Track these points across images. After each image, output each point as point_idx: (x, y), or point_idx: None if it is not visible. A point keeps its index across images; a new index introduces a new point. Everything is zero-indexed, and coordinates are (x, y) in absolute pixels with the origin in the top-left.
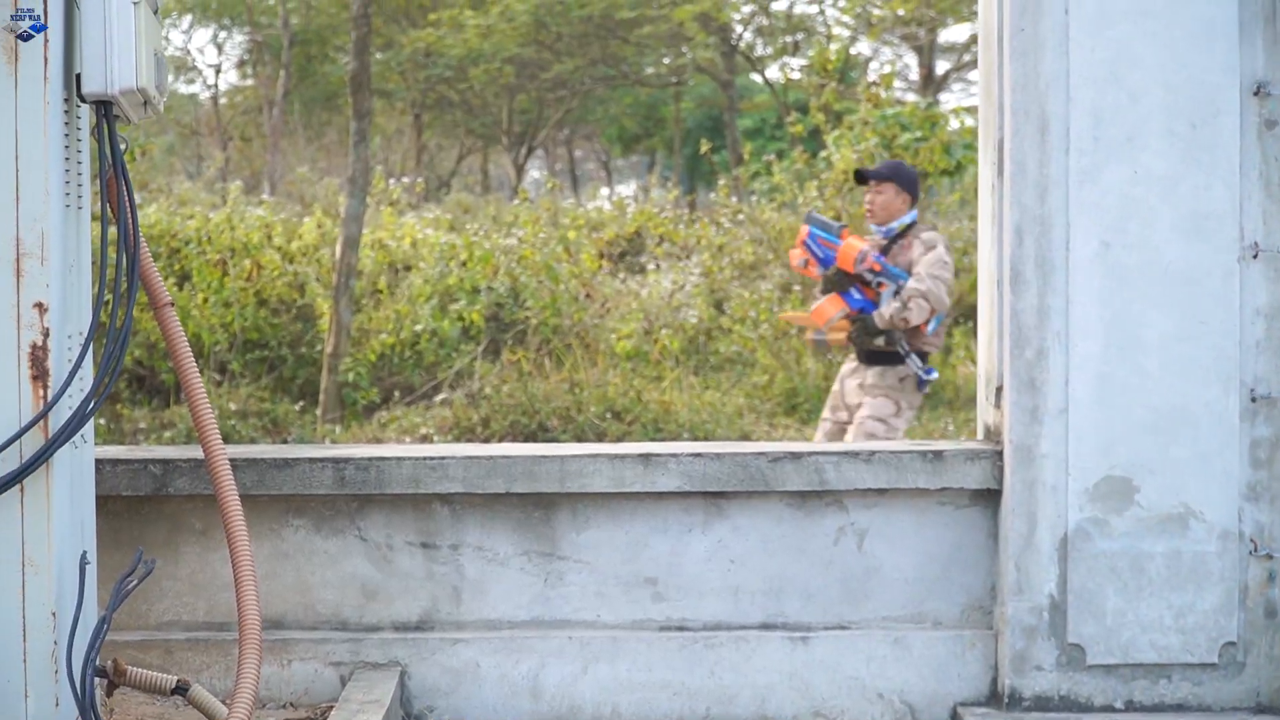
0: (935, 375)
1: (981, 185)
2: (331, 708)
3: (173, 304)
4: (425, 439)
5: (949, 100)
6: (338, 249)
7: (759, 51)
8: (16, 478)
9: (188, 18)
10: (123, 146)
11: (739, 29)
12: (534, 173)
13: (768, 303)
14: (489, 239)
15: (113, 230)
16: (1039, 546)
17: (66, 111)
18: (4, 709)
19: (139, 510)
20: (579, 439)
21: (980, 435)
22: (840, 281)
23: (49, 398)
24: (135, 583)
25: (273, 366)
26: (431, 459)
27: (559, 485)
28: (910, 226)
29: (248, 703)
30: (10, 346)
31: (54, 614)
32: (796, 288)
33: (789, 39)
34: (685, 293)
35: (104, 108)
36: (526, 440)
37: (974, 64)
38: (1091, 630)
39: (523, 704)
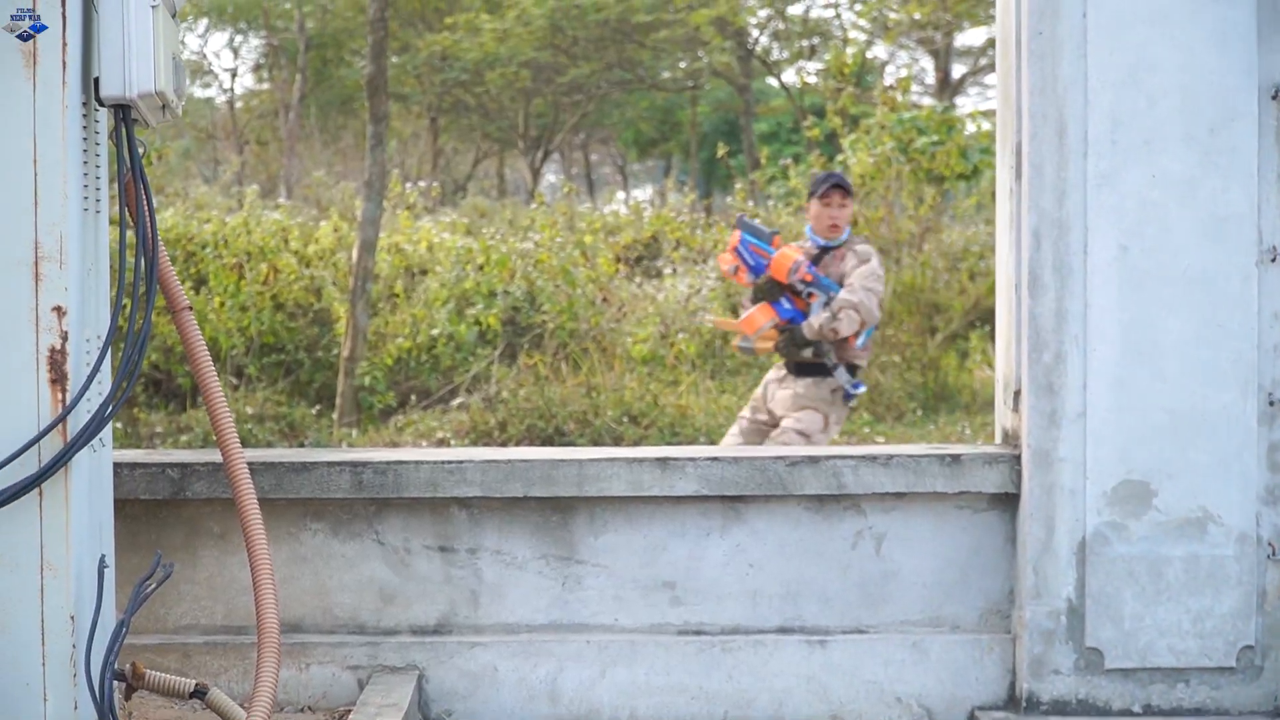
0: (863, 389)
1: (999, 189)
2: (349, 711)
3: (191, 308)
4: (442, 443)
5: (965, 104)
6: (354, 253)
7: (775, 56)
8: (35, 481)
9: (204, 21)
10: (140, 150)
11: (755, 33)
12: (550, 177)
13: None
14: (505, 243)
15: (131, 234)
16: (1057, 551)
17: (85, 115)
18: (23, 712)
19: (157, 514)
20: (595, 443)
21: (998, 439)
22: (771, 290)
23: (67, 401)
24: (154, 586)
25: (289, 370)
26: (449, 463)
27: (577, 489)
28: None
29: (266, 706)
30: (29, 350)
31: (72, 617)
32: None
33: (805, 43)
34: (701, 296)
35: (122, 111)
36: (543, 444)
37: (990, 68)
38: (1109, 634)
39: (541, 707)
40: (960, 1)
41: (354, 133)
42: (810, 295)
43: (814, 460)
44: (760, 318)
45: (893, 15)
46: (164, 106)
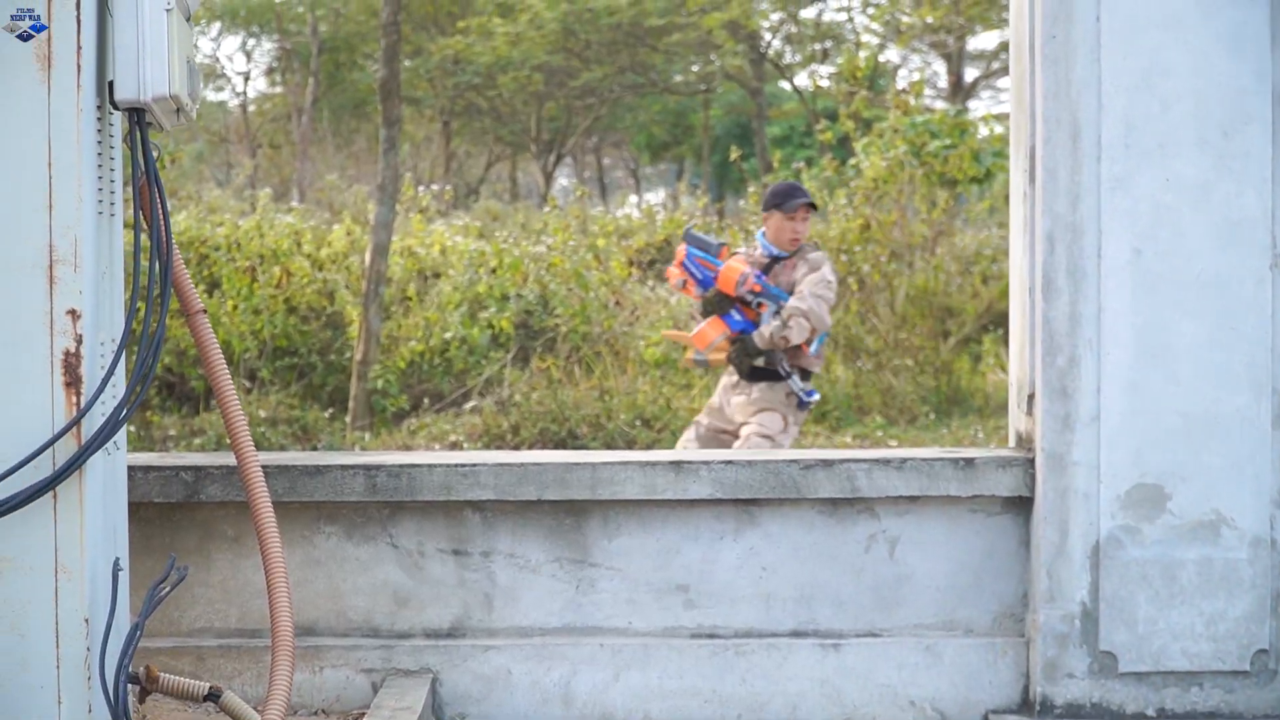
0: (817, 397)
1: (1013, 193)
2: (363, 714)
3: (205, 311)
4: (455, 446)
5: (978, 108)
6: (367, 256)
7: (788, 59)
8: (50, 484)
9: (217, 25)
10: (155, 154)
11: (768, 36)
12: (562, 180)
13: None
14: (518, 246)
15: (145, 237)
16: (1071, 554)
17: (99, 119)
18: (38, 715)
19: (171, 517)
20: (609, 446)
21: (1012, 443)
22: (721, 303)
23: (82, 404)
24: (168, 589)
25: (302, 374)
26: (463, 466)
27: (590, 492)
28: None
29: (280, 709)
30: (43, 353)
31: (87, 620)
32: None
33: (818, 46)
34: None
35: (136, 115)
36: (556, 448)
37: (1003, 71)
38: (1123, 638)
39: (554, 711)
40: (973, 5)
41: (366, 136)
42: (760, 305)
43: (828, 463)
44: (711, 332)
45: (905, 19)
46: (178, 110)
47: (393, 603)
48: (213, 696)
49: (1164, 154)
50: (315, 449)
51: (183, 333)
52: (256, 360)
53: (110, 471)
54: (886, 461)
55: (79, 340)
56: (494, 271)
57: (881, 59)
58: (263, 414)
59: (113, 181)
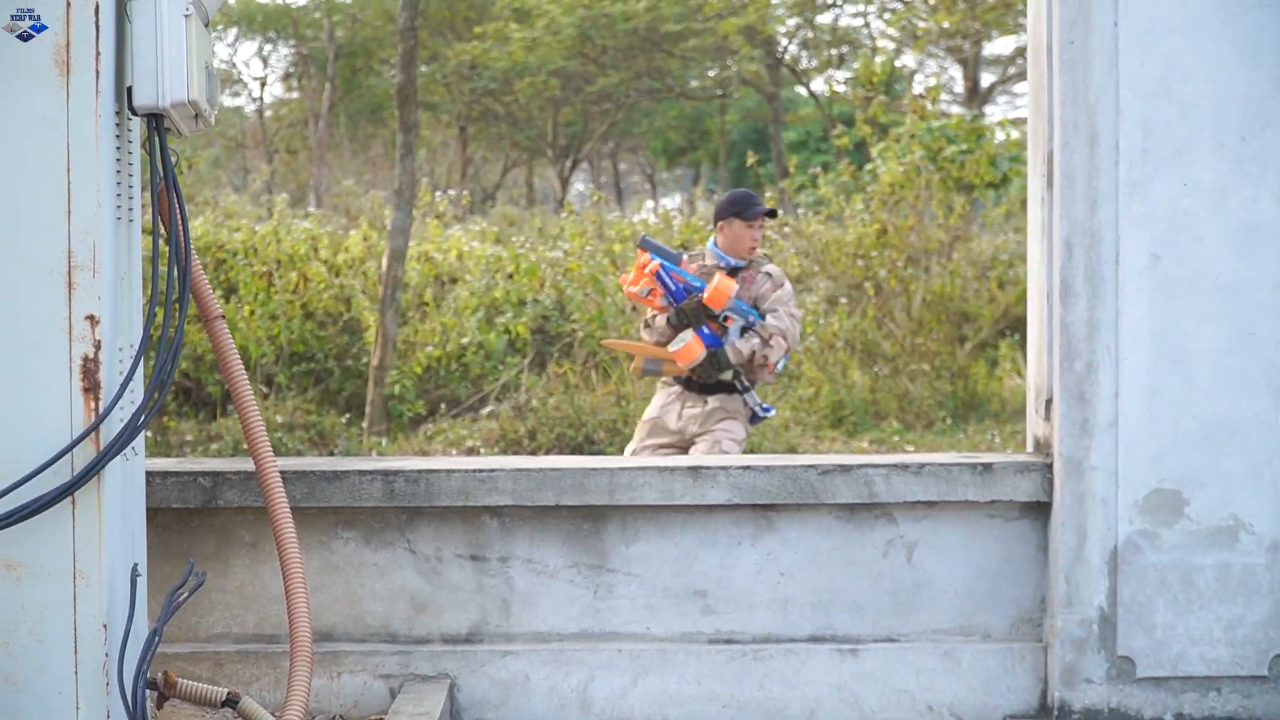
0: (772, 413)
1: (1031, 198)
2: None
3: (223, 316)
4: (472, 452)
5: (994, 113)
6: (384, 261)
7: (804, 64)
8: (68, 490)
9: (233, 31)
10: (173, 159)
11: (784, 42)
12: (579, 185)
13: (814, 315)
14: (535, 251)
15: (163, 243)
16: (1089, 559)
17: (118, 124)
18: None
19: (189, 522)
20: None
21: (1029, 448)
22: (697, 317)
23: (101, 410)
24: (186, 595)
25: (319, 379)
26: (481, 471)
27: (608, 498)
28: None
29: (299, 715)
30: (62, 359)
31: (105, 626)
32: (843, 300)
33: (834, 52)
34: None
35: (155, 120)
36: (573, 453)
37: (1019, 76)
38: (1141, 643)
39: (572, 716)
40: (989, 10)
41: (383, 141)
42: (727, 319)
43: (845, 468)
44: (697, 347)
45: (921, 24)
46: (197, 116)
47: (410, 608)
48: (231, 702)
49: (1181, 159)
50: (332, 454)
51: (199, 338)
52: (273, 365)
53: (129, 477)
54: (904, 466)
55: (98, 346)
56: (511, 277)
57: (898, 64)
58: (279, 419)
59: (131, 187)
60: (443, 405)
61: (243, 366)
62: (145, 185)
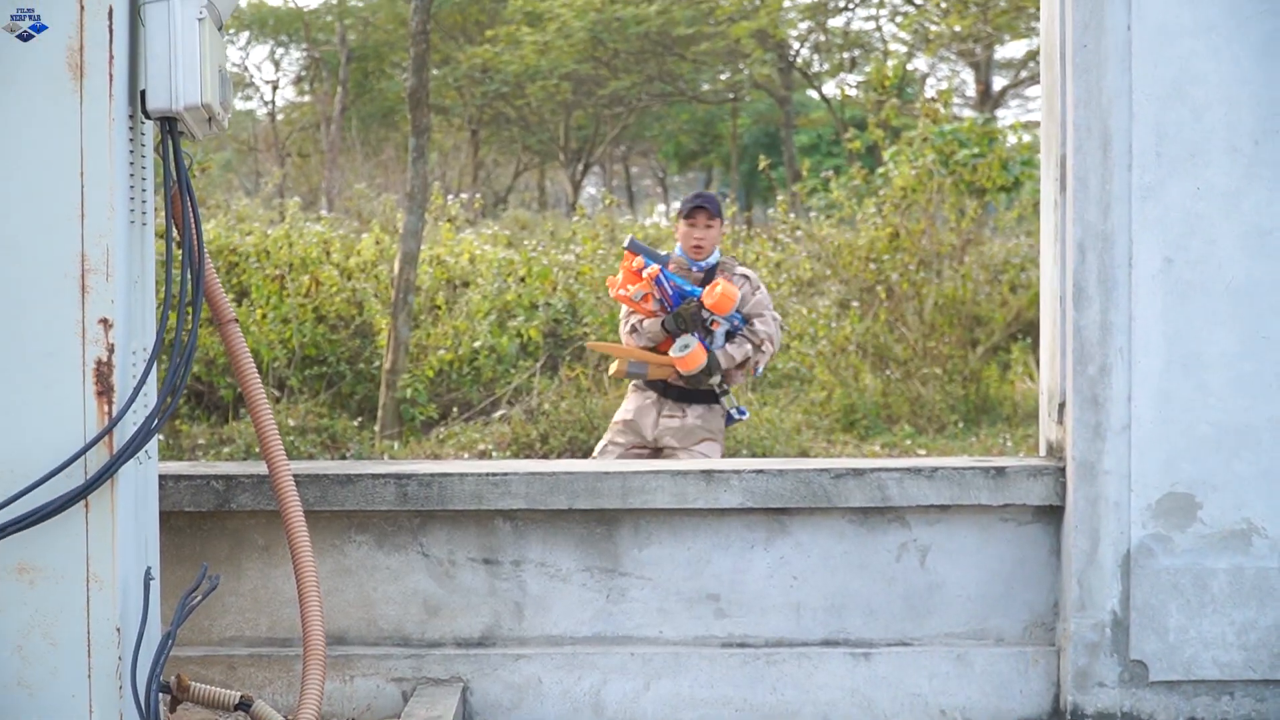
0: (746, 415)
1: (1044, 201)
2: None
3: (236, 320)
4: (483, 455)
5: (1006, 116)
6: (396, 265)
7: (816, 68)
8: (82, 493)
9: (245, 34)
10: (186, 163)
11: (796, 45)
12: (590, 189)
13: (825, 319)
14: (547, 255)
15: (176, 246)
16: (1102, 563)
17: (131, 128)
18: None
19: (201, 526)
20: None
21: (1042, 452)
22: (694, 322)
23: (114, 413)
24: (199, 598)
25: (331, 383)
26: (494, 475)
27: (621, 502)
28: (717, 261)
29: (312, 718)
30: (75, 362)
31: (118, 629)
32: (854, 304)
33: (846, 55)
34: None
35: (168, 124)
36: (585, 456)
37: (1031, 80)
38: (1154, 647)
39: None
40: (1000, 14)
41: (395, 145)
42: (713, 324)
43: (858, 472)
44: (701, 355)
45: (933, 28)
46: (210, 119)
47: (423, 611)
48: (244, 705)
49: (1195, 162)
50: (344, 458)
51: (211, 341)
52: (285, 369)
53: (142, 481)
54: (917, 470)
55: (111, 349)
56: (523, 280)
57: (910, 68)
58: (291, 423)
59: (144, 190)
60: (454, 409)
61: (256, 370)
62: (158, 188)
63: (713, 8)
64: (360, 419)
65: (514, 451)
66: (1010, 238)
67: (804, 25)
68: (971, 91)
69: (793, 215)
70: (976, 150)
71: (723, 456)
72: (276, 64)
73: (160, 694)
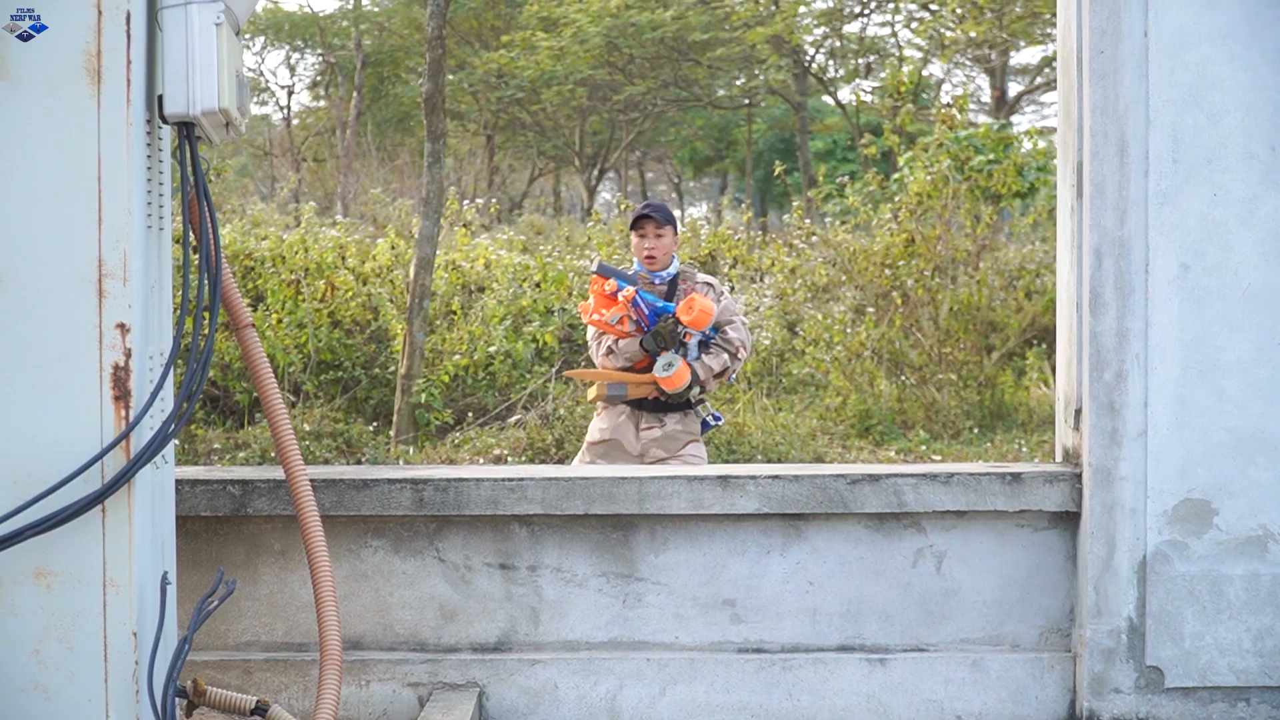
0: (722, 420)
1: (1060, 207)
2: None
3: (253, 325)
4: (499, 460)
5: (1021, 122)
6: (411, 270)
7: (831, 73)
8: (99, 498)
9: (260, 39)
10: (204, 167)
11: (811, 51)
12: (605, 194)
13: (841, 325)
14: (562, 260)
15: (193, 251)
16: (1118, 569)
17: (149, 132)
18: None
19: (218, 530)
20: None
21: (1058, 458)
22: (673, 339)
23: (131, 418)
24: (216, 603)
25: (346, 387)
26: (510, 480)
27: (637, 507)
28: (678, 271)
29: None
30: (92, 367)
31: (135, 634)
32: (870, 310)
33: (861, 61)
34: (758, 314)
35: (186, 129)
36: None
37: (1046, 86)
38: (1170, 653)
39: None
40: (1016, 20)
41: (410, 150)
42: (686, 336)
43: (874, 478)
44: (686, 373)
45: (949, 33)
46: (227, 124)
47: (439, 616)
48: (260, 710)
49: (1211, 169)
50: (359, 463)
51: (226, 346)
52: (301, 374)
53: (158, 485)
54: (933, 476)
55: (128, 354)
56: (538, 285)
57: (925, 73)
58: (307, 427)
59: (161, 195)
60: (469, 414)
61: (273, 375)
62: (175, 193)
63: (728, 13)
64: (375, 424)
65: (529, 456)
66: (1025, 243)
67: (819, 31)
68: (987, 97)
69: (808, 221)
70: (992, 156)
71: (705, 456)
72: (292, 69)
73: (177, 699)
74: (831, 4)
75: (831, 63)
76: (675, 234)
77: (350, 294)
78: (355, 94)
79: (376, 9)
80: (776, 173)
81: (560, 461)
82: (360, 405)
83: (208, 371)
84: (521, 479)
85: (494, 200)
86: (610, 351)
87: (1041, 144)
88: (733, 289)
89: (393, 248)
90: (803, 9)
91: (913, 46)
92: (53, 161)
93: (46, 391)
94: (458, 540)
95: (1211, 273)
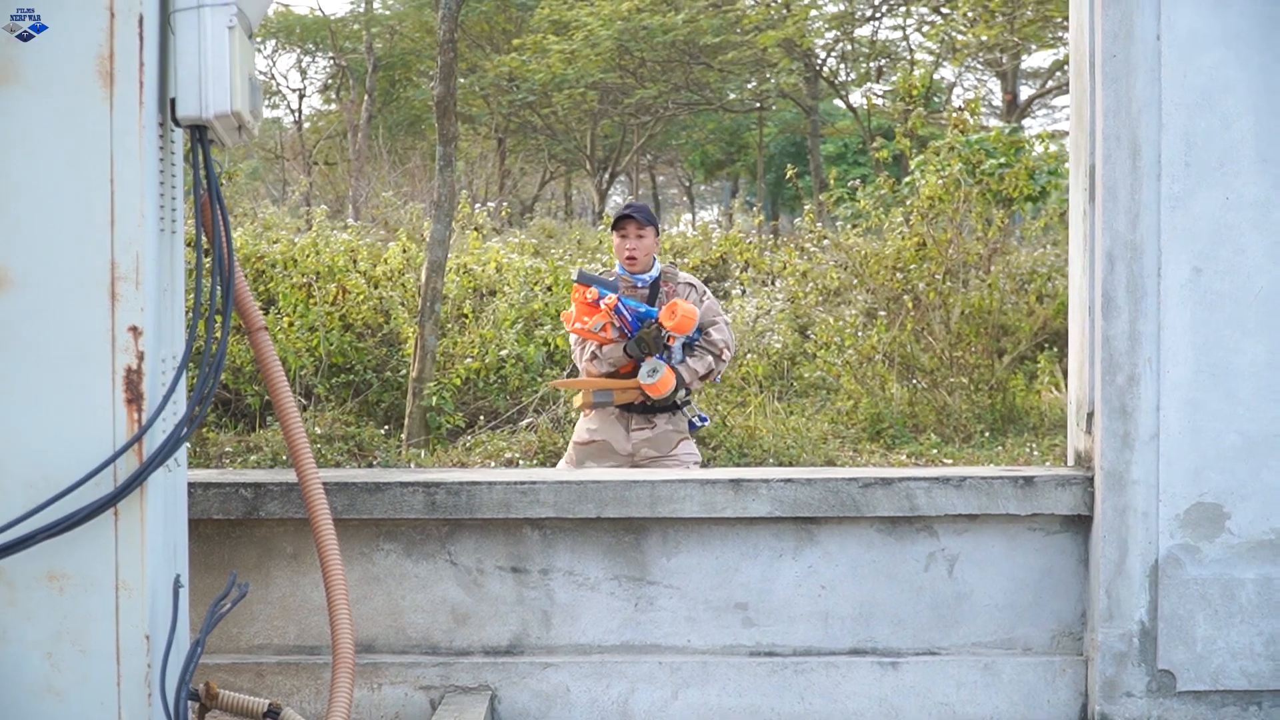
0: (709, 421)
1: (1072, 211)
2: None
3: (266, 328)
4: (510, 464)
5: (1033, 126)
6: (423, 273)
7: (842, 77)
8: (111, 501)
9: (272, 42)
10: (216, 170)
11: (822, 55)
12: (617, 198)
13: (852, 328)
14: (573, 264)
15: (205, 254)
16: (1130, 573)
17: (161, 135)
18: None
19: (230, 533)
20: None
21: (1070, 461)
22: (657, 344)
23: (143, 421)
24: (228, 606)
25: (358, 391)
26: (522, 484)
27: (650, 510)
28: (660, 273)
29: None
30: (105, 370)
31: (147, 637)
32: (881, 313)
33: (872, 64)
34: (770, 318)
35: (198, 132)
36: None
37: (1057, 90)
38: (1181, 657)
39: None
40: (1027, 24)
41: (421, 154)
42: (670, 339)
43: (887, 482)
44: (671, 379)
45: (960, 37)
46: (240, 127)
47: (451, 620)
48: (272, 713)
49: (1224, 172)
50: (371, 466)
51: (239, 349)
52: (312, 377)
53: (171, 488)
54: (946, 480)
55: (140, 357)
56: (549, 289)
57: (936, 77)
58: (318, 431)
59: (174, 198)
60: (481, 417)
61: (285, 378)
62: (187, 196)
63: (739, 17)
64: (387, 427)
65: (540, 460)
66: (1037, 247)
67: (830, 34)
68: (998, 101)
69: (819, 224)
70: (1003, 160)
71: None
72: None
73: (189, 701)
74: (843, 8)
75: (843, 66)
76: (657, 235)
77: (362, 297)
78: (366, 97)
79: (388, 12)
80: (788, 176)
81: None
82: (372, 409)
83: (220, 374)
84: (534, 482)
85: (505, 204)
86: (594, 357)
87: (1053, 148)
88: (744, 292)
89: (404, 251)
90: (814, 13)
91: (924, 50)
92: (65, 164)
93: (58, 395)
94: (470, 543)
95: (1224, 276)
